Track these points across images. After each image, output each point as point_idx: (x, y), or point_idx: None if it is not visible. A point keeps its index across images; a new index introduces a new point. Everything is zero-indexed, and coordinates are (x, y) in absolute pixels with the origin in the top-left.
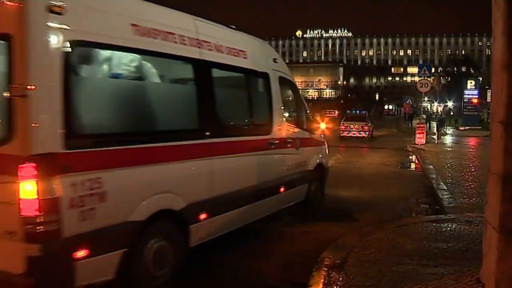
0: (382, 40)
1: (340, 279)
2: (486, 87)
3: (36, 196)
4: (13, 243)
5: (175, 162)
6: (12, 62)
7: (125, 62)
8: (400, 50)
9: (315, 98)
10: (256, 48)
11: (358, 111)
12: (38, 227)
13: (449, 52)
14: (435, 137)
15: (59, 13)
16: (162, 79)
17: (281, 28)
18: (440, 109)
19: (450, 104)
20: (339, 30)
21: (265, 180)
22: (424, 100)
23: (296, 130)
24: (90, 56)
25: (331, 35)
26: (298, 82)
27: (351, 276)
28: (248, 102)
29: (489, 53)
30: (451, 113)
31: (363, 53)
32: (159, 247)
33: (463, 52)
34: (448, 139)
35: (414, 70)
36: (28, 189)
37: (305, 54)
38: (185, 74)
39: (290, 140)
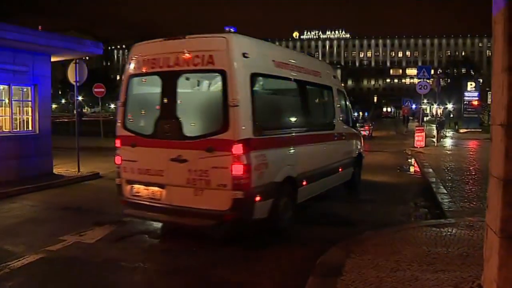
0: (380, 41)
1: (338, 285)
2: (487, 89)
3: (241, 163)
4: (224, 192)
5: (292, 146)
6: (227, 86)
7: (272, 83)
8: (399, 52)
9: None
10: (324, 69)
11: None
12: (240, 181)
13: (449, 54)
14: (434, 140)
15: (247, 57)
16: (286, 93)
17: (278, 29)
18: (439, 111)
19: (450, 106)
20: (336, 32)
21: (332, 162)
22: (423, 102)
23: (345, 126)
24: (258, 81)
25: (328, 36)
26: None
27: (348, 282)
28: (323, 107)
29: (490, 54)
30: (451, 116)
31: (361, 55)
32: (285, 200)
33: (463, 54)
34: (448, 142)
35: (413, 72)
36: (237, 159)
37: None
38: (294, 89)
39: (344, 134)
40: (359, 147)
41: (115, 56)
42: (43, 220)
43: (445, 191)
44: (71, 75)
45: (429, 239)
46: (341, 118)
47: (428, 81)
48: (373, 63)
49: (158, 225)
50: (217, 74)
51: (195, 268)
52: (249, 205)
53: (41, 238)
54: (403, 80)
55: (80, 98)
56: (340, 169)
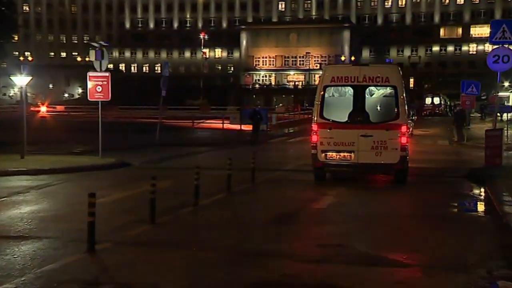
0: None
1: None
2: None
3: (405, 136)
4: (396, 152)
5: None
6: (398, 94)
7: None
8: None
9: (298, 87)
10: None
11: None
12: (404, 146)
13: None
14: None
15: (401, 77)
16: (406, 95)
17: None
18: None
19: None
20: None
21: None
22: (503, 87)
23: None
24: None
25: None
26: (271, 58)
27: None
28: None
29: None
30: None
31: (387, 3)
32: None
33: None
34: None
35: (483, 31)
36: (403, 134)
37: (281, 6)
38: (406, 93)
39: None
40: None
41: None
42: None
43: None
44: None
45: None
46: None
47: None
48: (407, 20)
49: None
50: (391, 88)
51: None
52: (406, 160)
53: None
54: (464, 48)
55: None
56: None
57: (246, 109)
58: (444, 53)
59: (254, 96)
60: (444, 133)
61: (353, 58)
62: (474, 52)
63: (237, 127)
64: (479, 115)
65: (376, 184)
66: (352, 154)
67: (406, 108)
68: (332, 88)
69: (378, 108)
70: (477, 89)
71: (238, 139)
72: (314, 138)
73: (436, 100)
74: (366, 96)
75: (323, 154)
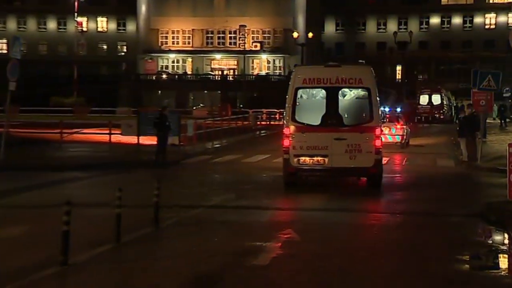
0: None
1: None
2: None
3: (379, 139)
4: (370, 155)
5: None
6: (371, 96)
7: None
8: None
9: (228, 78)
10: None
11: None
12: (378, 149)
13: None
14: None
15: (375, 79)
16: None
17: None
18: None
19: None
20: None
21: None
22: None
23: None
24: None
25: None
26: (185, 33)
27: None
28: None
29: None
30: None
31: None
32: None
33: None
34: None
35: None
36: (377, 137)
37: None
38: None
39: None
40: None
41: None
42: None
43: None
44: None
45: None
46: None
47: None
48: None
49: None
50: (364, 89)
51: None
52: (380, 164)
53: None
54: (477, 20)
55: None
56: None
57: (147, 112)
58: (447, 28)
59: (159, 92)
60: (447, 148)
61: (310, 34)
62: (492, 26)
63: (133, 139)
64: (499, 121)
65: (348, 222)
66: (326, 158)
67: (380, 110)
68: (303, 90)
69: (352, 110)
70: (496, 82)
71: (134, 159)
72: (286, 142)
73: (436, 99)
74: (339, 98)
75: (296, 159)
